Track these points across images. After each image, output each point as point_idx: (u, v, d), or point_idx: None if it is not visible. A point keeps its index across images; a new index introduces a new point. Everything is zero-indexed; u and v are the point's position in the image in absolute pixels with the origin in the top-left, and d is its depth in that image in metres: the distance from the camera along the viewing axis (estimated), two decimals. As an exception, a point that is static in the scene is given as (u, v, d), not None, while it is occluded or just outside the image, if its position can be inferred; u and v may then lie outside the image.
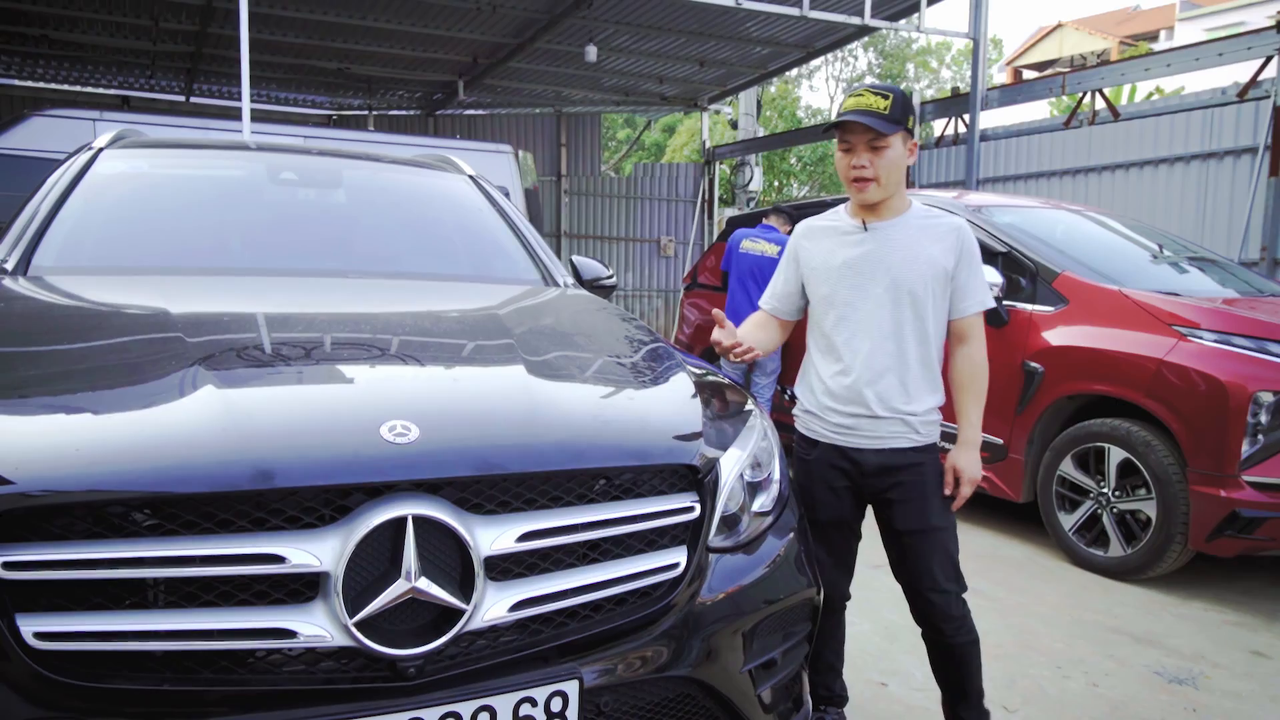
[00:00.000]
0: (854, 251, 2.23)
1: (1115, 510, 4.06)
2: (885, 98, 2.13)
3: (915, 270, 2.18)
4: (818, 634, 2.37)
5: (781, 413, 6.22)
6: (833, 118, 2.18)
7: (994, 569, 4.15)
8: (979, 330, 2.28)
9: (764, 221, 6.43)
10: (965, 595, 2.30)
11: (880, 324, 2.20)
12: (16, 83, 12.37)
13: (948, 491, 2.27)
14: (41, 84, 12.51)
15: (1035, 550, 4.45)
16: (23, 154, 6.24)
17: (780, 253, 6.15)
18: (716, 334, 2.20)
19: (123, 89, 12.81)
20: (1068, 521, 4.25)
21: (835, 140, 2.22)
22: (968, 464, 2.26)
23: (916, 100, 9.98)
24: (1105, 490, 4.09)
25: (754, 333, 2.42)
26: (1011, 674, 3.06)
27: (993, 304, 2.29)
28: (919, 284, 2.18)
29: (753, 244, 6.22)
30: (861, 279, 2.21)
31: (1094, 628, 3.49)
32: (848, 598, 2.47)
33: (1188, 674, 3.11)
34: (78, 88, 12.71)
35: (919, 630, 2.38)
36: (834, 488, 2.31)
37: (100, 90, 12.82)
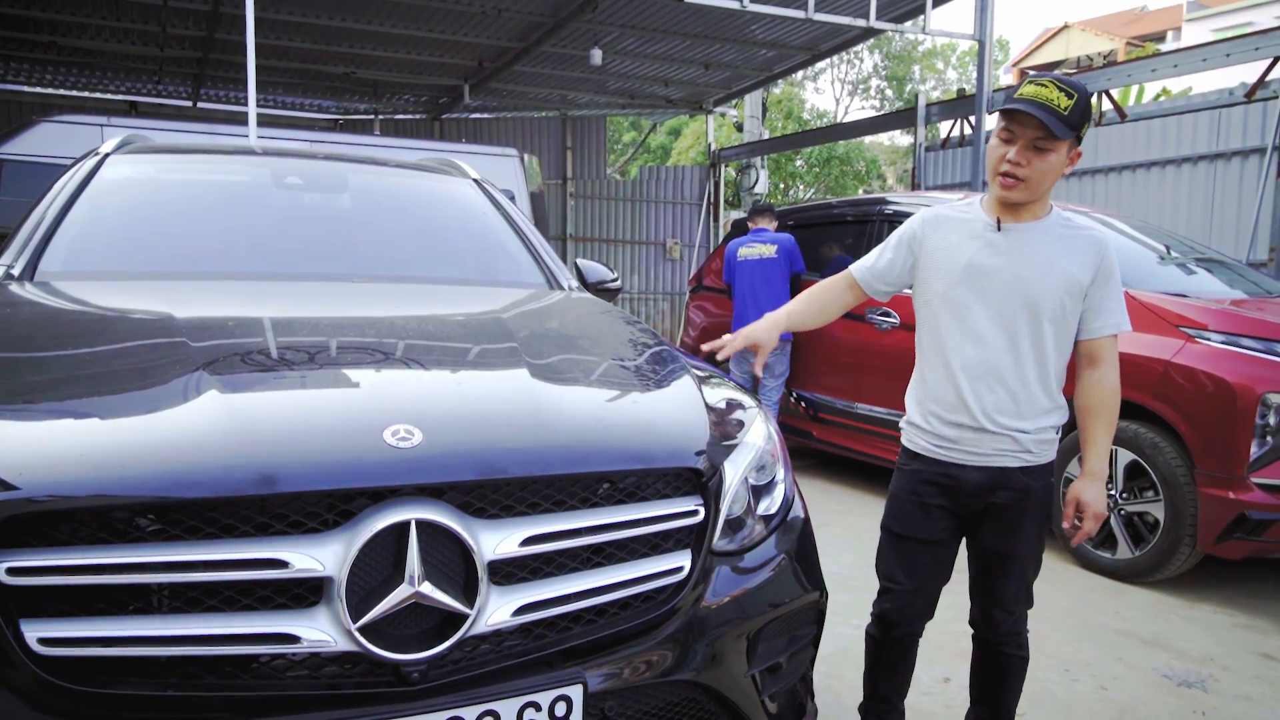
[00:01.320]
0: (983, 251, 2.04)
1: (1123, 512, 4.04)
2: (1070, 96, 1.90)
3: (1047, 283, 1.99)
4: (877, 663, 2.33)
5: (790, 415, 6.21)
6: (1008, 101, 1.94)
7: (1001, 572, 4.13)
8: (1112, 353, 2.07)
9: (753, 226, 6.40)
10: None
11: (997, 332, 2.03)
12: (26, 89, 12.43)
13: (1066, 525, 2.12)
14: (50, 90, 12.57)
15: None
16: (31, 160, 6.27)
17: (778, 250, 6.16)
18: (706, 347, 2.16)
19: (130, 94, 12.87)
20: (1075, 524, 4.23)
21: (996, 125, 2.00)
22: (1093, 497, 2.05)
23: (923, 102, 9.96)
24: (1113, 492, 4.07)
25: (813, 303, 2.29)
26: (1019, 678, 3.04)
27: (1128, 328, 2.07)
28: (1047, 297, 2.00)
29: (749, 250, 6.21)
30: (986, 283, 2.03)
31: (1102, 630, 3.47)
32: (918, 634, 2.27)
33: (1197, 677, 3.10)
34: (86, 93, 12.76)
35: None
36: (924, 504, 2.13)
37: (108, 96, 12.88)
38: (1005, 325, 2.03)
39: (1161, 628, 3.53)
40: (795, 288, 5.99)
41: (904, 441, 2.23)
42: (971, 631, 2.31)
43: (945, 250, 2.11)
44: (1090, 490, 2.07)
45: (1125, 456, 4.00)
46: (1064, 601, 3.77)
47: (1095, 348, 2.08)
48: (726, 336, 2.21)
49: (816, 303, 2.31)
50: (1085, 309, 2.05)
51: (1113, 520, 4.08)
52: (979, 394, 2.05)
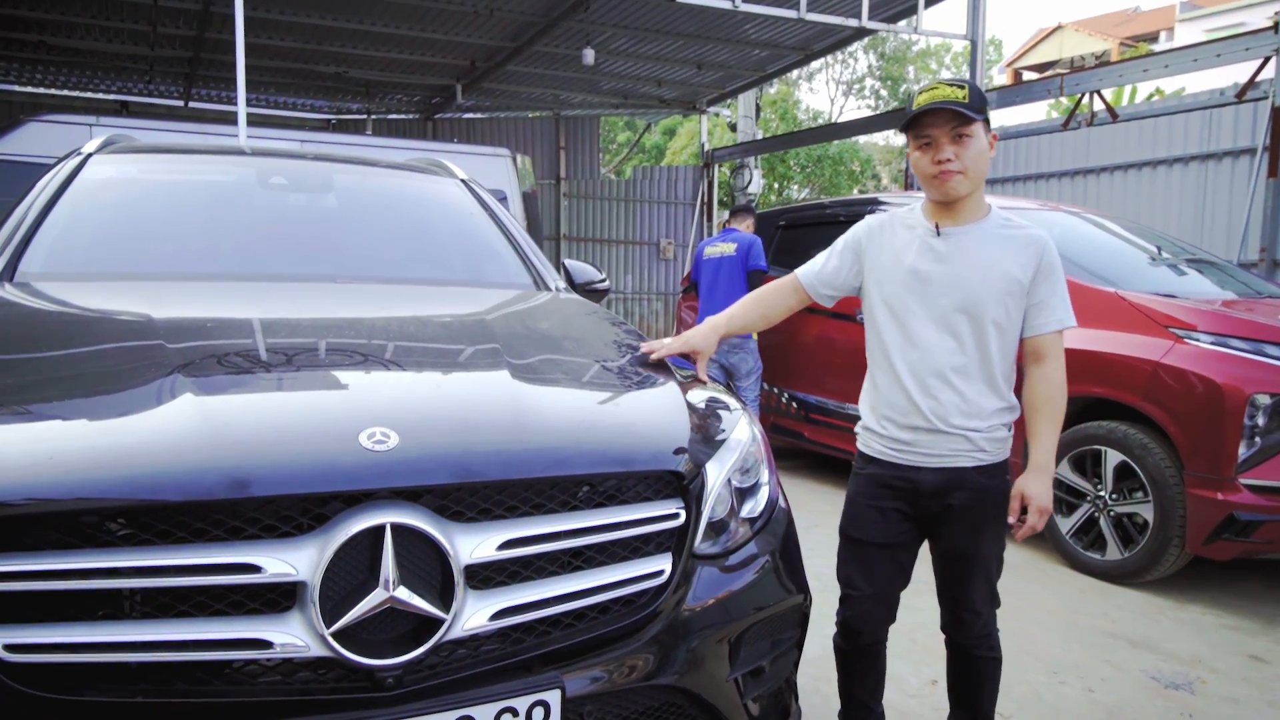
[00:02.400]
0: (924, 257, 2.08)
1: (1112, 513, 4.04)
2: (961, 88, 1.99)
3: (987, 283, 2.03)
4: (848, 671, 2.32)
5: (781, 416, 6.20)
6: (909, 117, 2.03)
7: (991, 573, 4.13)
8: (1057, 350, 2.10)
9: (728, 225, 6.43)
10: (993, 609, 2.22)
11: (942, 335, 2.06)
12: (16, 88, 12.36)
13: (1012, 519, 2.10)
14: (41, 90, 12.51)
15: (1032, 554, 4.43)
16: (19, 159, 6.21)
17: (738, 249, 6.18)
18: (645, 347, 2.14)
19: (122, 94, 12.80)
20: (1064, 525, 4.23)
21: (909, 143, 2.08)
22: (1038, 491, 2.06)
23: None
24: (1102, 493, 4.07)
25: (754, 305, 2.32)
26: (1007, 680, 3.01)
27: (1073, 323, 2.10)
28: (989, 299, 2.03)
29: (713, 248, 6.25)
30: (927, 287, 2.07)
31: (1090, 632, 3.47)
32: (882, 640, 2.27)
33: (1184, 679, 3.09)
34: (77, 93, 12.70)
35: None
36: (881, 508, 2.14)
37: (100, 96, 12.81)
38: (949, 328, 2.06)
39: (1150, 629, 3.53)
40: (755, 285, 5.96)
41: (859, 446, 2.25)
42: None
43: (889, 256, 2.14)
44: (1035, 484, 2.07)
45: (1114, 457, 4.00)
46: (1053, 603, 3.77)
47: (1040, 344, 2.11)
48: (664, 339, 2.20)
49: (758, 306, 2.34)
50: (1029, 306, 2.08)
51: (1102, 521, 4.08)
52: (929, 396, 2.07)
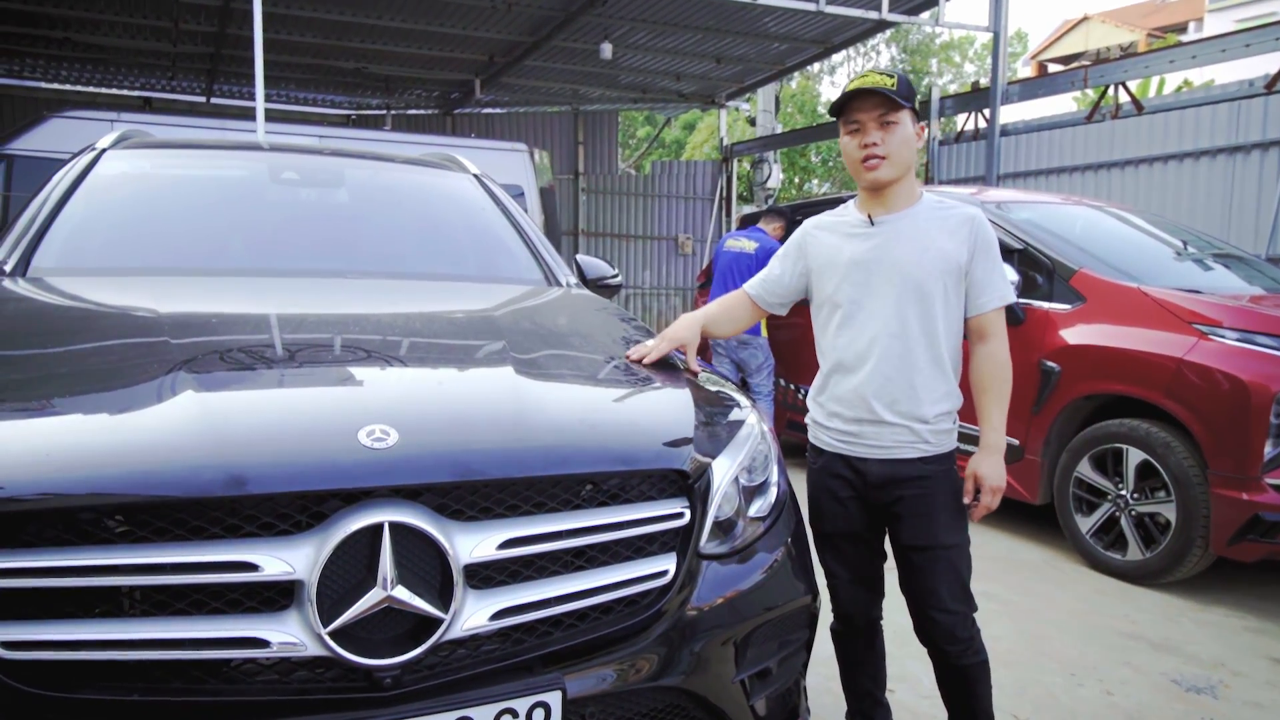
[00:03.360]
0: (860, 247, 2.11)
1: (1134, 513, 3.97)
2: (890, 77, 2.04)
3: (924, 264, 2.05)
4: (848, 658, 2.34)
5: (796, 412, 6.15)
6: (841, 97, 2.08)
7: (1008, 572, 4.08)
8: (999, 327, 2.13)
9: (756, 224, 6.41)
10: (978, 604, 2.19)
11: (886, 323, 2.07)
12: (42, 85, 12.51)
13: (967, 500, 2.12)
14: (66, 86, 12.65)
15: (1051, 553, 4.37)
16: (42, 155, 6.28)
17: (758, 249, 6.13)
18: (634, 353, 2.11)
19: (145, 90, 12.92)
20: (1085, 524, 4.17)
21: (840, 128, 2.12)
22: (989, 471, 2.09)
23: (937, 95, 9.85)
24: (1123, 492, 4.00)
25: (723, 312, 2.37)
26: (1023, 681, 2.99)
27: (1013, 299, 2.16)
28: (928, 279, 2.05)
29: (734, 242, 6.27)
30: (867, 275, 2.09)
31: (1110, 634, 3.41)
32: (876, 619, 2.31)
33: (1206, 683, 3.03)
34: (101, 89, 12.84)
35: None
36: (840, 498, 2.18)
37: (123, 92, 12.94)
38: (894, 312, 2.07)
39: (1171, 631, 3.46)
40: None
41: (810, 439, 2.28)
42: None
43: (828, 252, 2.18)
44: (986, 464, 2.10)
45: (1136, 456, 3.93)
46: (1071, 603, 3.71)
47: (983, 323, 2.13)
48: (648, 342, 2.17)
49: (727, 313, 2.38)
50: (969, 285, 2.11)
51: (1123, 521, 4.02)
52: (875, 385, 2.09)
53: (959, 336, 2.13)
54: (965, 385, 2.15)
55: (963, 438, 2.21)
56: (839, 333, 2.15)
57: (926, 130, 2.18)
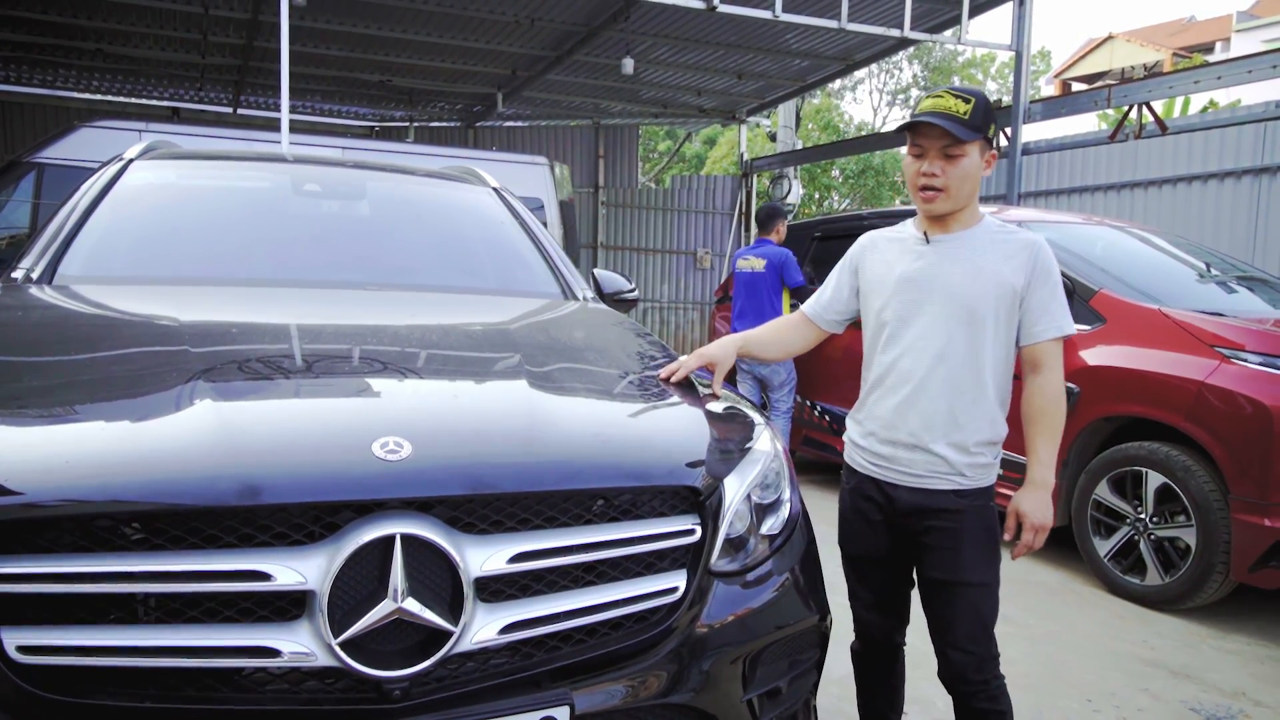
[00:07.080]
0: (912, 265, 2.04)
1: (1153, 537, 3.92)
2: (967, 101, 1.94)
3: (977, 288, 1.97)
4: (866, 680, 2.31)
5: (813, 429, 6.13)
6: (911, 117, 1.99)
7: (1025, 595, 4.03)
8: (1055, 359, 2.02)
9: (759, 236, 6.29)
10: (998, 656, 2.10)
11: (932, 345, 2.00)
12: (74, 95, 12.74)
13: (1008, 537, 2.03)
14: (97, 96, 12.88)
15: (1069, 576, 4.32)
16: (71, 164, 6.40)
17: (767, 265, 6.10)
18: (663, 373, 2.10)
19: (174, 100, 13.14)
20: (1103, 547, 4.12)
21: (906, 144, 2.04)
22: (1032, 507, 1.99)
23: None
24: (1143, 516, 3.95)
25: (773, 335, 2.33)
26: (1039, 706, 2.95)
27: (1071, 331, 2.03)
28: (980, 303, 1.97)
29: (744, 262, 6.19)
30: (917, 294, 2.02)
31: (1128, 659, 3.37)
32: (899, 644, 2.27)
33: (1226, 711, 2.98)
34: (131, 99, 13.06)
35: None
36: (870, 521, 2.13)
37: (152, 102, 13.15)
38: (943, 333, 2.01)
39: (1191, 658, 3.41)
40: (803, 298, 5.91)
41: (845, 459, 2.24)
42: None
43: (881, 269, 2.13)
44: (1030, 500, 2.01)
45: (1156, 479, 3.88)
46: (1089, 627, 3.67)
47: (1037, 353, 2.04)
48: (682, 357, 2.17)
49: (777, 338, 2.34)
50: (1024, 313, 2.02)
51: (1142, 545, 3.96)
52: (913, 407, 2.03)
53: (1009, 365, 2.05)
54: (1014, 419, 2.07)
55: (1007, 464, 2.12)
56: (883, 351, 2.10)
57: (997, 157, 2.10)
